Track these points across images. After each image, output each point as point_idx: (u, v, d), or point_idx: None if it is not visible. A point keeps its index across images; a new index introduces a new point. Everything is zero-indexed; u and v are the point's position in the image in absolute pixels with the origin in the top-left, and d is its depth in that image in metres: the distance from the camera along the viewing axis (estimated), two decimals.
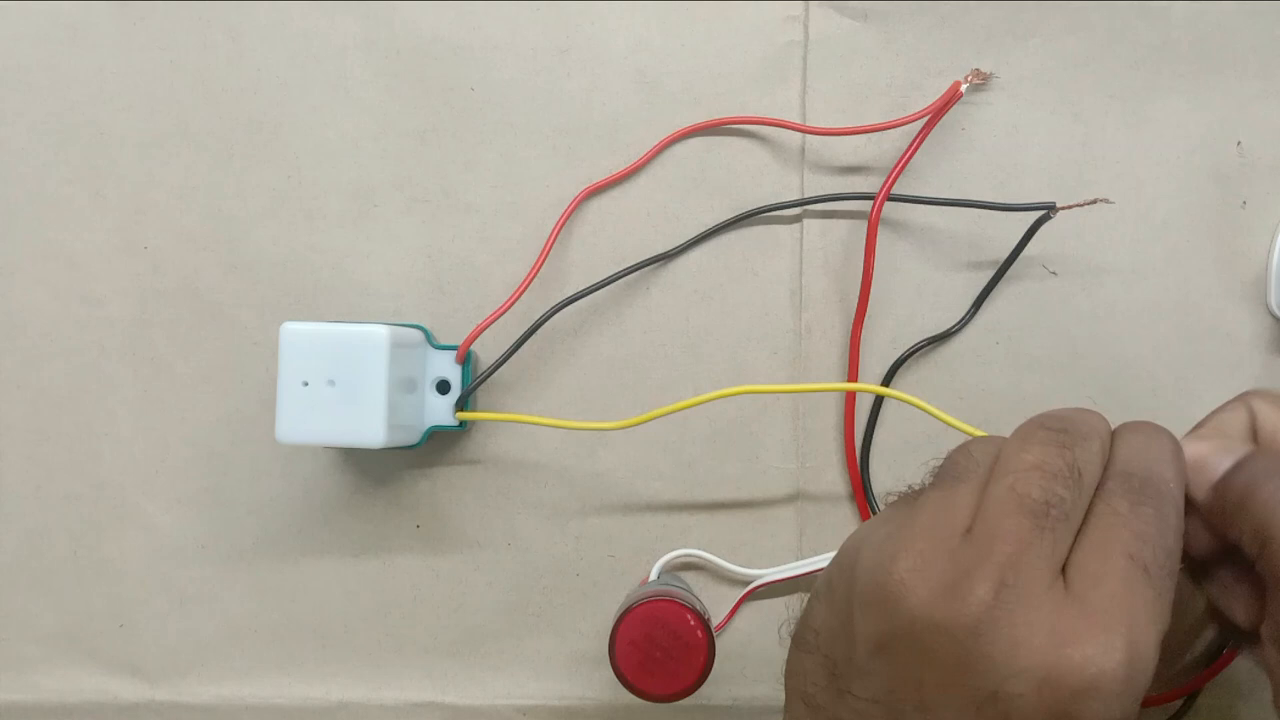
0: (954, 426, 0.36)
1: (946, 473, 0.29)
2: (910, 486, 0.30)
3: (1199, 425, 0.33)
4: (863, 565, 0.28)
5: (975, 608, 0.25)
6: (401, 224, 0.44)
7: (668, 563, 0.43)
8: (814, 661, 0.28)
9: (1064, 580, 0.26)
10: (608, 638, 0.36)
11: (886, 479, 0.43)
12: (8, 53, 0.44)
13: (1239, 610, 0.32)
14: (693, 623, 0.37)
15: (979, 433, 0.34)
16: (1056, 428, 0.28)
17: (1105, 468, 0.28)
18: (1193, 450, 0.31)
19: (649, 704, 0.43)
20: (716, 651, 0.37)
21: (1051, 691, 0.24)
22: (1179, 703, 0.42)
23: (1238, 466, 0.30)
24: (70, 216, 0.44)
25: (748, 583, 0.43)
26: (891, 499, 0.31)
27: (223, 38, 0.44)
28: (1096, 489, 0.27)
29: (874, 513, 0.42)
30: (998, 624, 0.25)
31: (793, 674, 0.29)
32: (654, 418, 0.39)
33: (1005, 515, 0.26)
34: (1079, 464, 0.27)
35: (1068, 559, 0.26)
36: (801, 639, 0.29)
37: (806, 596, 0.32)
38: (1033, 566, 0.25)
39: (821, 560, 0.42)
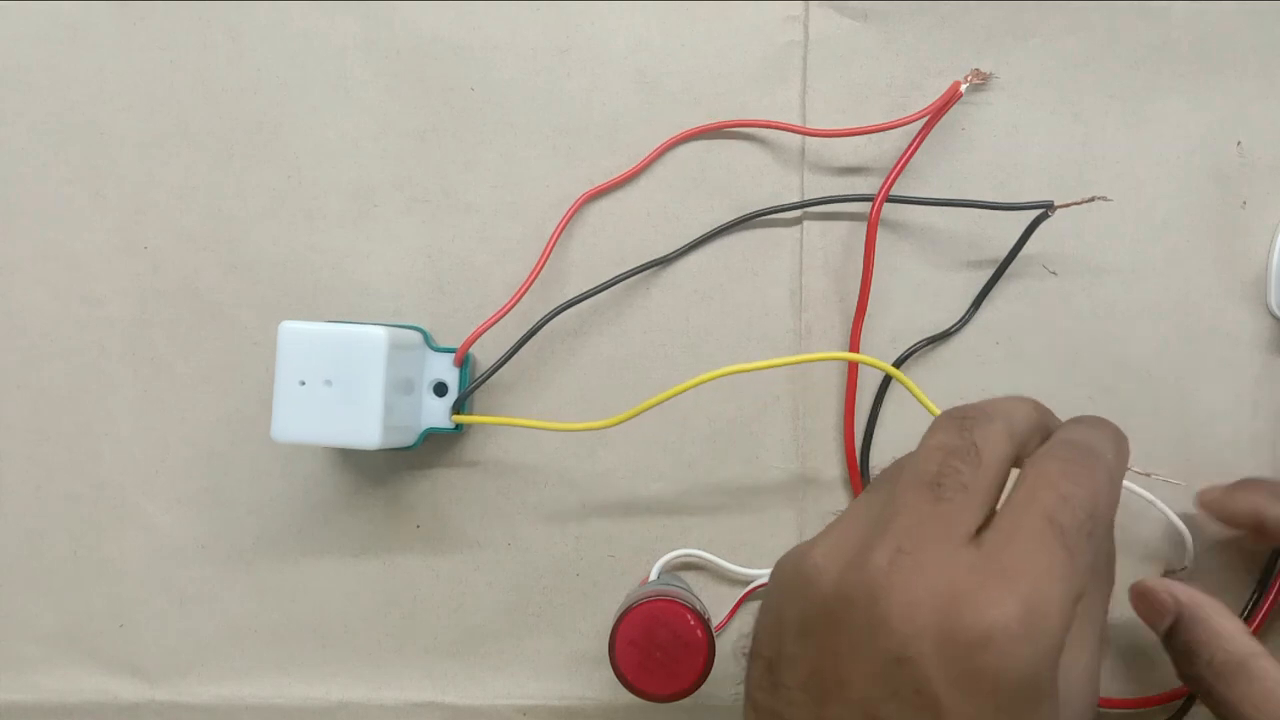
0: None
1: (874, 480, 0.30)
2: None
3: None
4: (787, 559, 0.29)
5: (873, 573, 0.25)
6: (401, 224, 0.44)
7: (668, 563, 0.43)
8: (757, 666, 0.29)
9: (977, 543, 0.26)
10: (608, 638, 0.36)
11: None
12: (8, 53, 0.44)
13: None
14: (692, 622, 0.37)
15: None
16: (960, 414, 0.29)
17: (1042, 442, 0.29)
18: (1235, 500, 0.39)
19: (649, 705, 0.43)
20: (716, 651, 0.37)
21: (950, 648, 0.24)
22: (1179, 703, 0.42)
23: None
24: (70, 216, 0.44)
25: (748, 582, 0.43)
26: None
27: (223, 38, 0.44)
28: (1031, 457, 0.28)
29: None
30: (893, 588, 0.25)
31: (745, 683, 0.30)
32: (645, 409, 0.38)
33: (904, 491, 0.27)
34: (977, 441, 0.28)
35: (988, 524, 0.26)
36: (749, 649, 0.30)
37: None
38: (930, 532, 0.26)
39: None
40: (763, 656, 0.28)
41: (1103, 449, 0.28)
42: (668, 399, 0.38)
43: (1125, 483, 0.36)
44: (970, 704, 0.24)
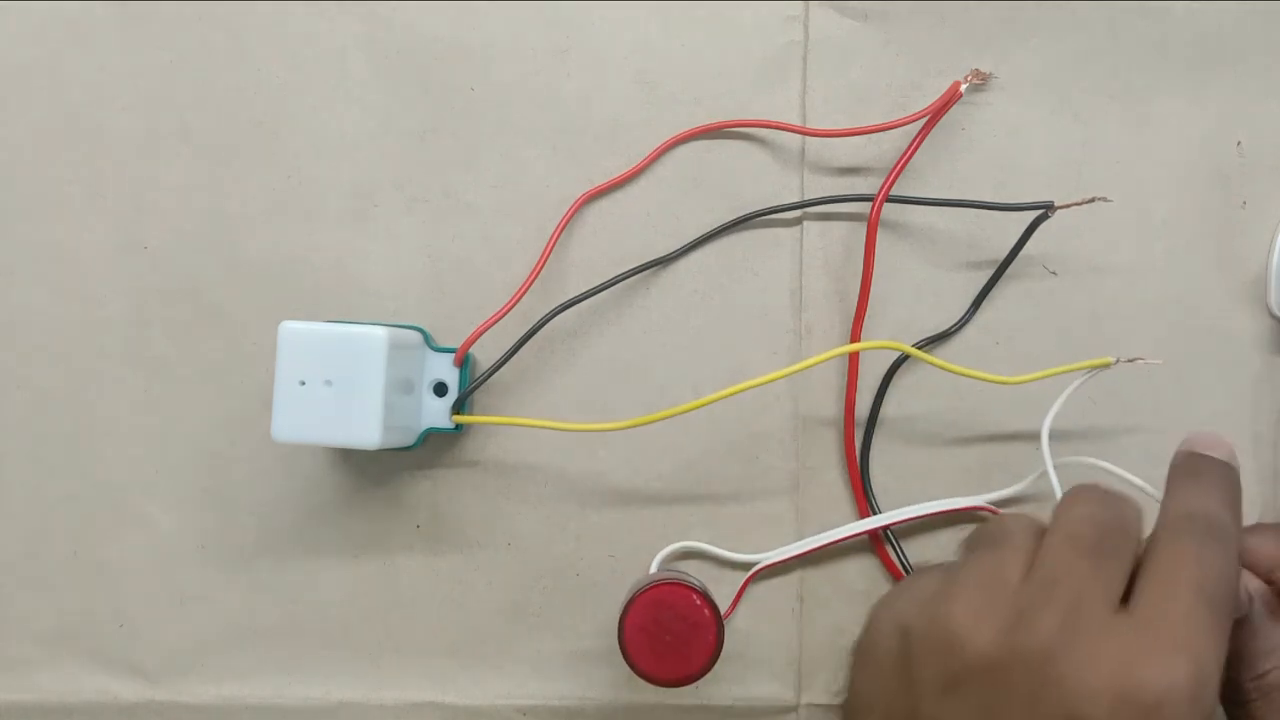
0: (970, 376, 0.39)
1: (982, 539, 0.31)
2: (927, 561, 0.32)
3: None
4: (915, 619, 0.29)
5: (1045, 636, 0.27)
6: (401, 224, 0.44)
7: (668, 555, 0.43)
8: (866, 713, 0.29)
9: (1128, 612, 0.27)
10: (608, 637, 0.36)
11: (886, 479, 0.43)
12: (8, 53, 0.44)
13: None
14: (699, 602, 0.37)
15: (995, 379, 0.39)
16: (1102, 492, 0.31)
17: (1163, 513, 0.31)
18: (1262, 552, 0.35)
19: (650, 704, 0.43)
20: (725, 634, 0.37)
21: (1125, 709, 0.25)
22: None
23: None
24: (70, 216, 0.44)
25: (748, 568, 0.43)
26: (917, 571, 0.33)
27: (223, 38, 0.44)
28: (1158, 532, 0.30)
29: (874, 512, 0.42)
30: (1069, 649, 0.26)
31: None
32: (652, 421, 0.39)
33: (1063, 556, 0.28)
34: (1124, 518, 0.30)
35: (1131, 593, 0.28)
36: (851, 705, 0.31)
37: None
38: (1094, 598, 0.27)
39: (826, 537, 0.42)
40: (881, 715, 0.29)
41: (1224, 517, 0.30)
42: (679, 414, 0.39)
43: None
44: None
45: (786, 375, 0.39)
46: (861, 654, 0.31)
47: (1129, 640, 0.26)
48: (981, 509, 0.42)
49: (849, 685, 0.31)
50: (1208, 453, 0.33)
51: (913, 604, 0.30)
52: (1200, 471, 0.32)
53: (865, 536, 0.42)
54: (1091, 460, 0.39)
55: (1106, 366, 0.39)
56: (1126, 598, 0.28)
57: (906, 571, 0.43)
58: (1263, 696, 0.33)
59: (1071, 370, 0.39)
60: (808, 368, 0.39)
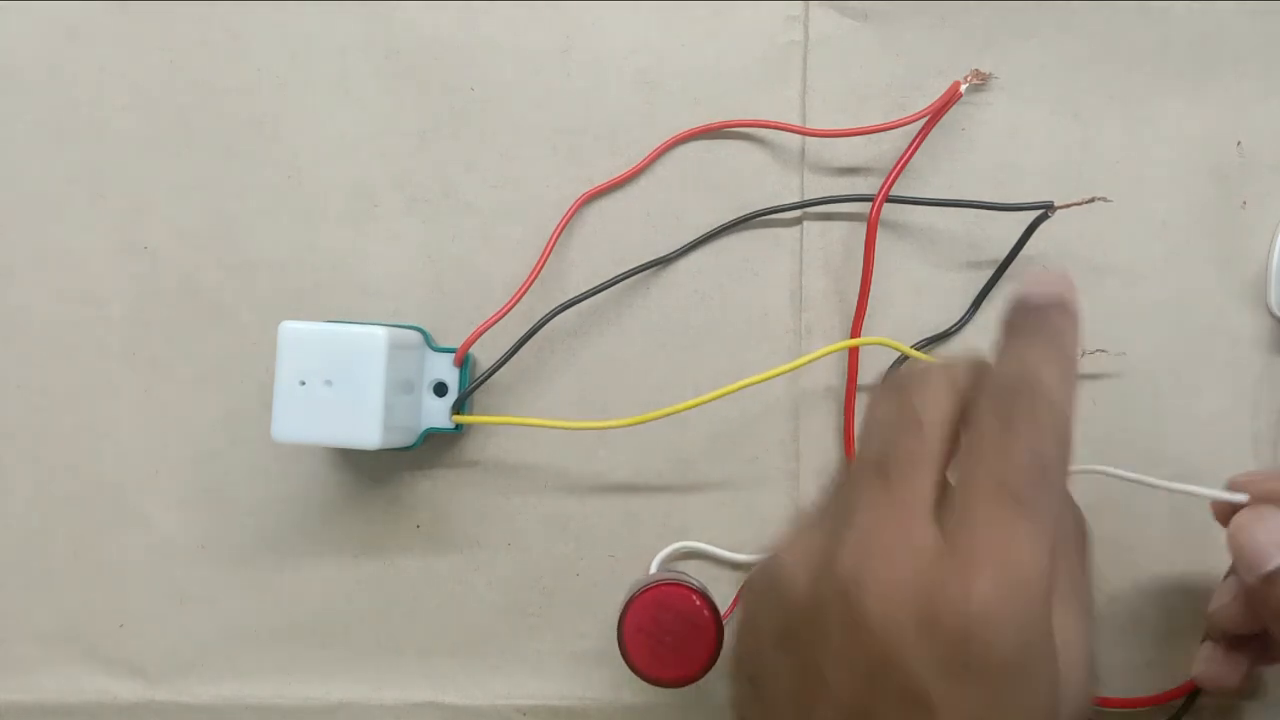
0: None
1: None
2: None
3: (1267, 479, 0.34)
4: (758, 569, 0.28)
5: (842, 575, 0.24)
6: (401, 224, 0.44)
7: (667, 556, 0.43)
8: (740, 684, 0.28)
9: (940, 520, 0.25)
10: (608, 637, 0.36)
11: None
12: (8, 53, 0.44)
13: (1232, 673, 0.36)
14: (698, 603, 0.37)
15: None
16: (896, 383, 0.27)
17: (980, 389, 0.27)
18: (1249, 539, 0.33)
19: (650, 704, 0.43)
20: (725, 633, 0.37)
21: (933, 642, 0.23)
22: (1179, 702, 0.42)
23: None
24: (70, 216, 0.44)
25: (749, 568, 0.43)
26: None
27: (223, 38, 0.44)
28: (969, 415, 0.26)
29: None
30: (865, 588, 0.24)
31: (731, 707, 0.29)
32: (651, 419, 0.39)
33: (856, 480, 0.26)
34: (916, 407, 0.26)
35: (943, 499, 0.25)
36: (731, 672, 0.29)
37: None
38: (889, 521, 0.25)
39: None
40: (745, 673, 0.28)
41: (1038, 375, 0.26)
42: (679, 411, 0.38)
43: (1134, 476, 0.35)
44: (962, 694, 0.23)
45: (786, 371, 0.39)
46: (738, 620, 0.29)
47: (931, 563, 0.24)
48: None
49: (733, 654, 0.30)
50: (1031, 297, 0.28)
51: (766, 559, 0.28)
52: (1019, 328, 0.28)
53: None
54: (1092, 467, 0.39)
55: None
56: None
57: None
58: None
59: None
60: (807, 363, 0.39)
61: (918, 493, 0.25)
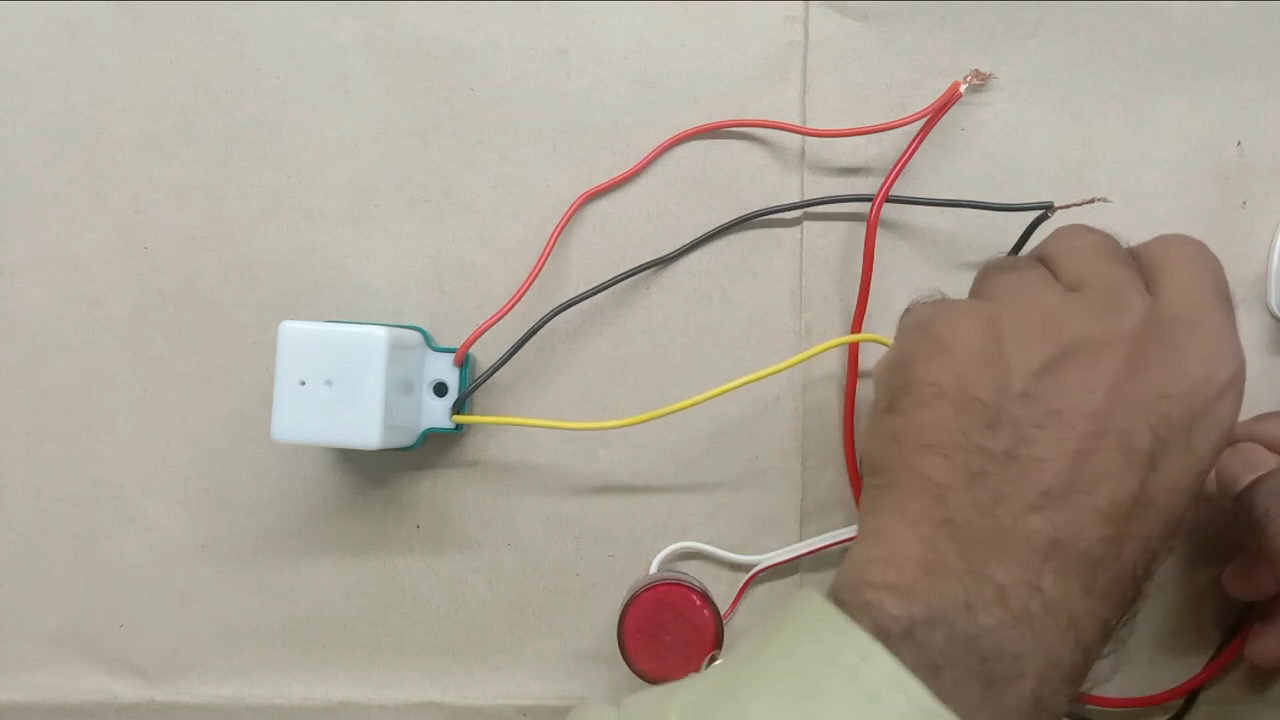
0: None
1: (991, 268, 0.33)
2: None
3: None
4: (1000, 311, 0.30)
5: (1138, 317, 0.29)
6: (401, 224, 0.44)
7: (667, 555, 0.43)
8: (937, 412, 0.30)
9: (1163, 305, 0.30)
10: (608, 637, 0.37)
11: None
12: (8, 53, 0.44)
13: (1235, 584, 0.40)
14: (698, 602, 0.37)
15: None
16: (1086, 226, 0.33)
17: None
18: (1224, 468, 0.38)
19: None
20: (725, 632, 0.37)
21: (1202, 392, 0.29)
22: (1179, 702, 0.42)
23: (1252, 485, 0.37)
24: (70, 216, 0.44)
25: (748, 569, 0.43)
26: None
27: (223, 38, 0.44)
28: (1154, 249, 0.32)
29: None
30: (1152, 334, 0.29)
31: (902, 434, 0.30)
32: (651, 418, 0.39)
33: (1105, 265, 0.31)
34: (1117, 238, 0.33)
35: (1159, 299, 0.30)
36: (907, 400, 0.30)
37: (878, 371, 0.33)
38: (1139, 296, 0.30)
39: (827, 538, 0.42)
40: (957, 399, 0.29)
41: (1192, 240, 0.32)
42: (677, 410, 0.39)
43: None
44: (1210, 437, 0.29)
45: (785, 369, 0.39)
46: (930, 348, 0.31)
47: (1192, 333, 0.29)
48: None
49: (901, 381, 0.31)
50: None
51: (986, 303, 0.31)
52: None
53: None
54: None
55: None
56: None
57: None
58: None
59: None
60: (806, 359, 0.39)
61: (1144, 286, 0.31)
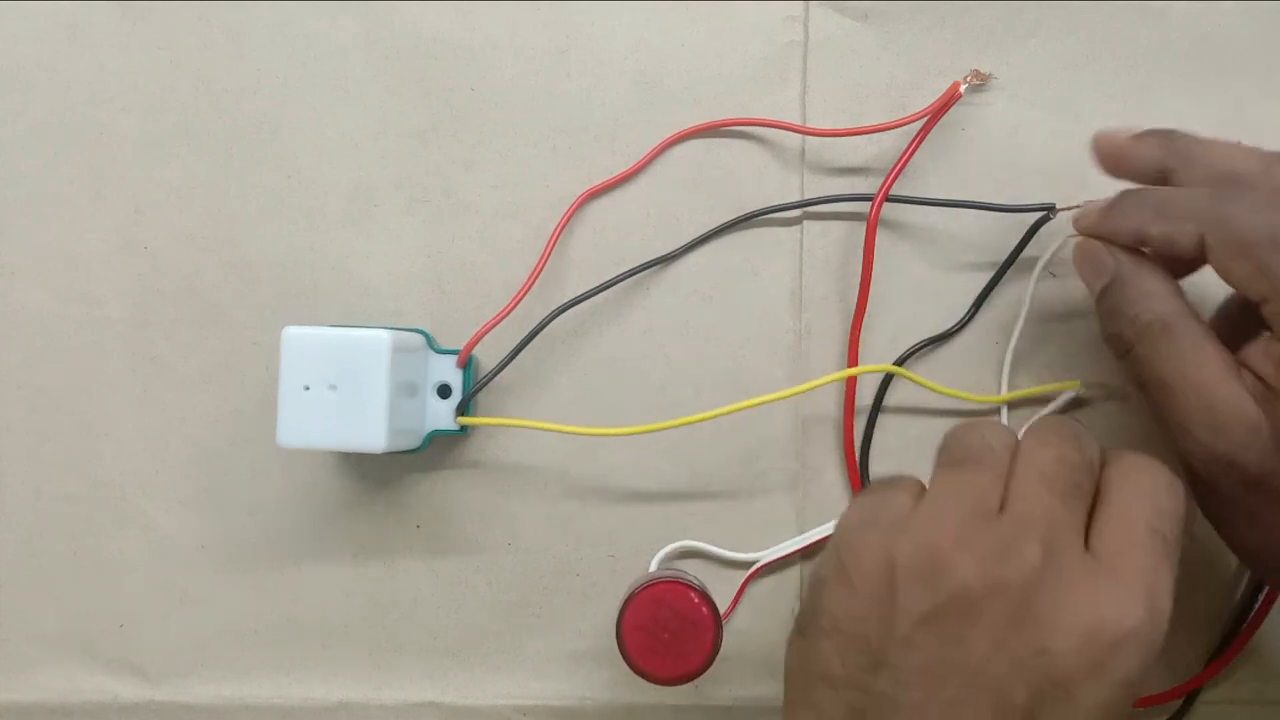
0: (950, 395, 0.41)
1: (956, 455, 0.32)
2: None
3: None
4: (900, 547, 0.30)
5: (1026, 571, 0.28)
6: (401, 224, 0.44)
7: (667, 555, 0.43)
8: (833, 644, 0.30)
9: (1091, 551, 0.29)
10: (608, 637, 0.37)
11: None
12: (8, 53, 0.44)
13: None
14: (697, 600, 0.37)
15: (973, 398, 0.41)
16: (1074, 433, 0.32)
17: (1115, 451, 0.32)
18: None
19: (650, 704, 0.43)
20: (724, 630, 0.37)
21: (1090, 647, 0.27)
22: (1179, 702, 0.42)
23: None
24: (70, 216, 0.44)
25: (748, 567, 0.43)
26: (874, 483, 0.34)
27: (223, 38, 0.44)
28: (1112, 468, 0.31)
29: None
30: (1043, 585, 0.28)
31: (805, 660, 0.31)
32: (656, 430, 0.40)
33: (1038, 494, 0.30)
34: (1089, 459, 0.31)
35: (1090, 529, 0.30)
36: (813, 626, 0.31)
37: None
38: (1067, 538, 0.29)
39: (822, 531, 0.42)
40: (848, 635, 0.30)
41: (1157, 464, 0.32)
42: (681, 425, 0.40)
43: None
44: (1099, 692, 0.27)
45: (789, 396, 0.40)
46: (837, 575, 0.31)
47: (1096, 581, 0.28)
48: None
49: (811, 605, 0.31)
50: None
51: (894, 529, 0.30)
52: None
53: None
54: None
55: (1075, 390, 0.41)
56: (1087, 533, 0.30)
57: None
58: (1141, 337, 0.34)
59: (1043, 391, 0.42)
60: (809, 390, 0.41)
61: (1083, 519, 0.30)
